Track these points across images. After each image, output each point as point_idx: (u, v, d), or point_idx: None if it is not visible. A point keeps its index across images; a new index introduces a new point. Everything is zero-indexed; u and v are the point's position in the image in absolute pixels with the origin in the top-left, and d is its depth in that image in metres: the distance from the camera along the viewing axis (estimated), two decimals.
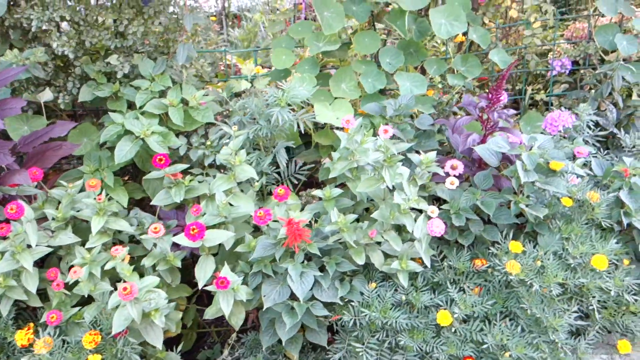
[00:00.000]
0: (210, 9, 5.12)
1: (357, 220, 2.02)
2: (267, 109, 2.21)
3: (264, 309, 1.92)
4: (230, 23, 5.06)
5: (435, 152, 2.09)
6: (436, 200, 2.26)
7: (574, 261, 1.96)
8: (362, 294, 1.98)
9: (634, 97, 2.79)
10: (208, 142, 2.29)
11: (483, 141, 2.29)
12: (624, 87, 2.78)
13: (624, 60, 2.73)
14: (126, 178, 2.57)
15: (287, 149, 2.68)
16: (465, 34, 2.73)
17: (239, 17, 4.80)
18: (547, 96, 2.95)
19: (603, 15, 2.83)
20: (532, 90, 2.95)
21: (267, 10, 4.39)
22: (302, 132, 2.38)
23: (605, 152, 2.59)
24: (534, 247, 2.02)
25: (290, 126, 2.28)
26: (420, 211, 1.98)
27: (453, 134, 2.23)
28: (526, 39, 2.77)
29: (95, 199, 1.94)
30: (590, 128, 2.59)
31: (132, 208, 2.27)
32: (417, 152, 2.14)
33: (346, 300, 1.99)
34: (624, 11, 2.71)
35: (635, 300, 2.05)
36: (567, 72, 2.86)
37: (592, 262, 1.92)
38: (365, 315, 1.92)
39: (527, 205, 2.06)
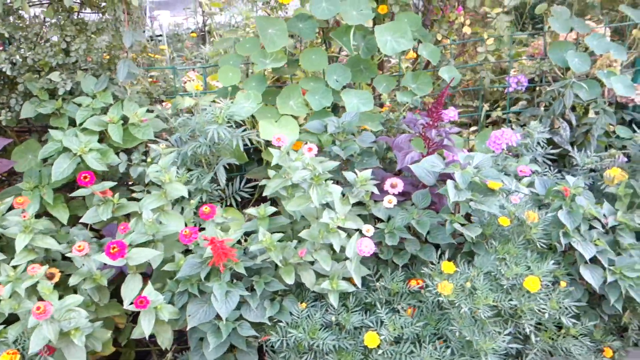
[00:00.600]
0: (194, 25, 5.14)
1: (283, 240, 1.99)
2: (206, 126, 2.19)
3: (190, 329, 1.88)
4: (212, 39, 5.08)
5: (370, 170, 2.07)
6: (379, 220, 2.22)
7: (507, 282, 1.91)
8: (292, 314, 1.95)
9: (591, 114, 2.76)
10: (148, 159, 2.27)
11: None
12: (580, 104, 2.75)
13: (579, 77, 2.70)
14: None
15: (239, 166, 2.66)
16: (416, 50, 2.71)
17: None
18: (504, 113, 2.92)
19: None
20: (490, 107, 2.92)
21: (242, 27, 4.41)
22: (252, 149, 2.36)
23: (558, 170, 2.55)
24: (469, 267, 1.98)
25: (232, 143, 2.26)
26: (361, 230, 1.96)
27: (394, 151, 2.21)
28: (480, 55, 2.75)
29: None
30: (541, 146, 2.56)
31: (76, 225, 2.25)
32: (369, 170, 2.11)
33: (275, 320, 1.95)
34: (578, 28, 2.69)
35: (575, 323, 2.00)
36: (524, 89, 2.84)
37: (524, 283, 1.88)
38: (292, 336, 1.88)
39: (462, 225, 2.03)
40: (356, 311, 1.98)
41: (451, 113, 2.55)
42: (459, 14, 2.73)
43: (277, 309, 1.95)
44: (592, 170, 2.56)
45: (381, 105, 2.85)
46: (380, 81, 2.62)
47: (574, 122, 2.63)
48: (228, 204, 2.43)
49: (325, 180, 1.95)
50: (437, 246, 2.10)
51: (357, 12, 2.40)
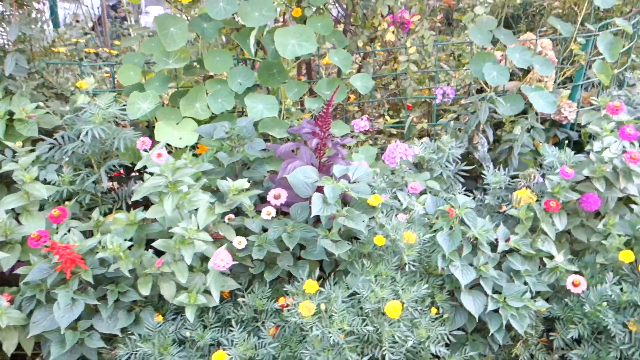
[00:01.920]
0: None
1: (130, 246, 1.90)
2: (89, 125, 2.11)
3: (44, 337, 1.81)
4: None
5: (245, 180, 1.97)
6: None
7: (370, 306, 1.80)
8: (147, 327, 1.86)
9: (516, 130, 2.62)
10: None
11: (320, 169, 2.16)
12: (511, 119, 2.62)
13: (504, 91, 2.58)
14: None
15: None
16: None
17: None
18: (430, 125, 2.80)
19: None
20: (416, 118, 2.80)
21: None
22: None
23: (468, 189, 2.43)
24: (339, 287, 1.87)
25: (126, 143, 2.17)
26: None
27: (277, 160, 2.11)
28: (402, 64, 2.63)
29: None
30: (455, 161, 2.44)
31: None
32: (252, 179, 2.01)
33: (130, 332, 1.86)
34: (504, 40, 2.56)
35: (453, 352, 1.88)
36: (450, 100, 2.71)
37: (385, 308, 1.76)
38: (139, 350, 1.79)
39: (334, 241, 1.92)
40: (216, 327, 1.88)
41: (361, 123, 2.44)
42: (382, 20, 2.62)
43: (131, 320, 1.86)
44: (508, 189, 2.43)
45: (303, 112, 2.75)
46: (292, 87, 2.52)
47: (490, 138, 2.50)
48: (119, 206, 2.35)
49: (190, 187, 1.85)
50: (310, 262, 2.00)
51: (259, 14, 2.30)
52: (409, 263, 1.88)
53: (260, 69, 2.53)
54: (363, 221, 1.84)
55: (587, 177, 2.17)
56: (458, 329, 2.02)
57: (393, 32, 2.63)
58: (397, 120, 2.95)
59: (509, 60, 2.55)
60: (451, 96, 2.68)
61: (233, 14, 2.30)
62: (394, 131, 2.97)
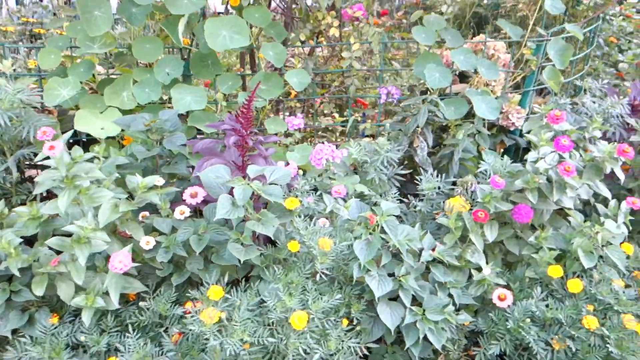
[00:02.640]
0: None
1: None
2: None
3: None
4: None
5: (156, 176, 1.86)
6: None
7: (276, 316, 1.70)
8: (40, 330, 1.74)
9: (459, 135, 2.53)
10: None
11: (242, 168, 2.05)
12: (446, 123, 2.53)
13: (453, 93, 2.48)
14: None
15: None
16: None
17: None
18: (375, 125, 2.70)
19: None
20: (360, 117, 2.70)
21: None
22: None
23: (404, 194, 2.34)
24: (242, 295, 1.77)
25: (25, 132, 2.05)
26: None
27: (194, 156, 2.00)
28: (345, 61, 2.52)
29: None
30: (391, 165, 2.34)
31: None
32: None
33: (21, 334, 1.75)
34: (450, 41, 2.46)
35: None
36: (395, 101, 2.61)
37: (290, 319, 1.66)
38: (28, 353, 1.67)
39: (244, 245, 1.81)
40: (115, 332, 1.77)
41: (295, 121, 2.34)
42: (326, 14, 2.50)
43: (24, 321, 1.75)
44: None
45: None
46: (226, 79, 2.40)
47: (430, 142, 2.41)
48: (33, 198, 2.23)
49: (100, 182, 1.74)
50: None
51: (188, 1, 2.18)
52: (321, 272, 1.78)
53: (193, 60, 2.41)
54: (273, 226, 1.74)
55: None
56: (378, 341, 1.93)
57: (337, 26, 2.51)
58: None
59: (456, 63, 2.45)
60: (396, 96, 2.58)
61: (160, 0, 2.18)
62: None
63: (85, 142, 2.44)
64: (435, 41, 2.40)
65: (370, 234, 1.86)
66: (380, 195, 2.29)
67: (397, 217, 2.25)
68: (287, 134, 2.44)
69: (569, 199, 2.11)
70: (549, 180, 2.08)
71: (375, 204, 2.16)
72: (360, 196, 2.23)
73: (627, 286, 2.08)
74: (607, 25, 3.59)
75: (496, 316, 2.00)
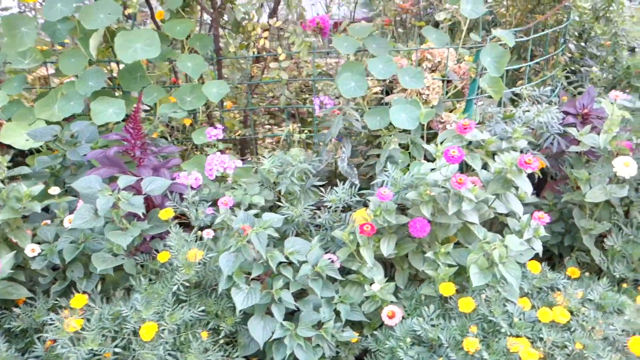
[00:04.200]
0: None
1: None
2: None
3: None
4: None
5: (41, 186, 1.93)
6: None
7: (130, 326, 1.72)
8: None
9: (390, 146, 2.46)
10: None
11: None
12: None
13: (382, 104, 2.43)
14: None
15: None
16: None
17: None
18: (309, 137, 2.67)
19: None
20: (295, 128, 2.68)
21: None
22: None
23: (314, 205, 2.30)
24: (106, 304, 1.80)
25: None
26: None
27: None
28: (273, 72, 2.51)
29: None
30: (307, 176, 2.32)
31: None
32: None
33: None
34: (375, 49, 2.41)
35: None
36: (336, 110, 2.57)
37: (140, 331, 1.68)
38: None
39: (115, 255, 1.85)
40: None
41: (213, 132, 2.36)
42: (256, 25, 2.52)
43: None
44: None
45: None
46: (152, 91, 2.46)
47: (347, 152, 2.36)
48: None
49: None
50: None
51: (104, 15, 2.25)
52: (182, 282, 1.78)
53: (122, 72, 2.49)
54: (131, 236, 1.76)
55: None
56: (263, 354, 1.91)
57: (266, 38, 2.51)
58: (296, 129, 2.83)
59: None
60: (329, 106, 2.55)
61: (73, 15, 2.26)
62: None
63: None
64: (356, 50, 2.35)
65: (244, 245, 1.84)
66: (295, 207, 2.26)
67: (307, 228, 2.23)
68: (210, 145, 2.46)
69: (472, 212, 2.00)
70: (447, 192, 1.98)
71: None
72: (271, 208, 2.22)
73: (533, 307, 1.94)
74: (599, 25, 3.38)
75: (382, 334, 1.93)
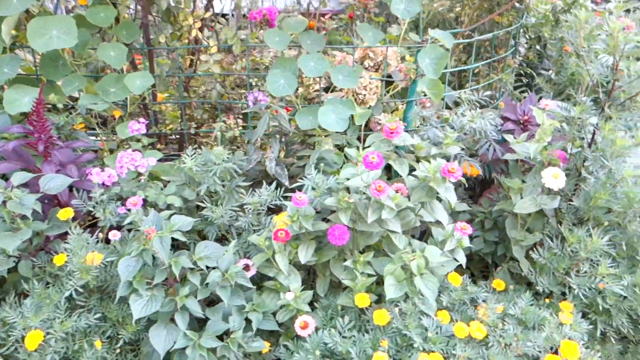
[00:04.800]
0: None
1: None
2: None
3: None
4: None
5: None
6: None
7: (17, 334, 1.61)
8: None
9: (324, 147, 2.37)
10: None
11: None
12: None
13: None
14: None
15: None
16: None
17: None
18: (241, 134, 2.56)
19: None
20: (231, 124, 2.56)
21: None
22: None
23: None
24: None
25: None
26: None
27: None
28: (203, 65, 2.40)
29: None
30: (232, 176, 2.21)
31: None
32: None
33: None
34: (309, 45, 2.31)
35: None
36: (263, 107, 2.47)
37: (25, 339, 1.57)
38: None
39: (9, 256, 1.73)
40: None
41: (135, 126, 2.24)
42: (188, 15, 2.39)
43: None
44: None
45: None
46: (73, 80, 2.33)
47: (276, 152, 2.26)
48: None
49: None
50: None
51: (17, 1, 2.12)
52: (77, 287, 1.67)
53: (43, 60, 2.35)
54: (21, 239, 1.65)
55: None
56: None
57: (200, 28, 2.40)
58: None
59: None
60: (263, 102, 2.44)
61: None
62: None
63: None
64: (287, 45, 2.25)
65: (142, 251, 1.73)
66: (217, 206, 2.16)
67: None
68: (137, 139, 2.34)
69: (394, 221, 1.92)
70: (368, 199, 1.90)
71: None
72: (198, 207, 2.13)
73: (453, 321, 1.87)
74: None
75: (295, 345, 1.84)
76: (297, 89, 2.55)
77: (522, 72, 3.18)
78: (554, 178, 1.94)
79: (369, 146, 2.10)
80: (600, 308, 1.97)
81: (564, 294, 2.07)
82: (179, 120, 2.69)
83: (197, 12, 2.45)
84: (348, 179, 1.90)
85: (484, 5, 3.34)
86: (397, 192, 1.98)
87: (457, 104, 2.82)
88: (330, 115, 2.19)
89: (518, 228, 2.18)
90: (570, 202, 2.03)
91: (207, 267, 1.81)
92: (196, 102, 2.56)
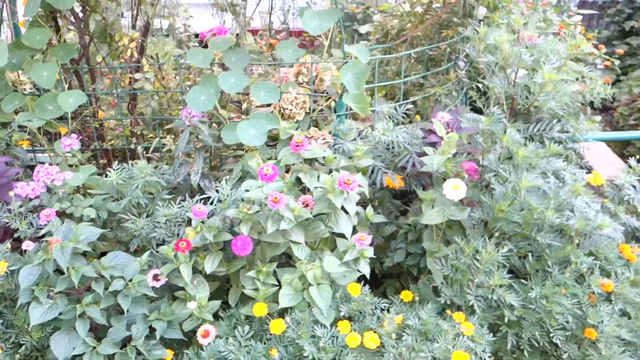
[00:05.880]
0: None
1: None
2: None
3: None
4: None
5: None
6: None
7: None
8: None
9: (252, 162, 2.43)
10: None
11: None
12: None
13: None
14: None
15: None
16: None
17: None
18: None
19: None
20: (169, 139, 2.65)
21: None
22: None
23: None
24: None
25: None
26: None
27: None
28: (138, 83, 2.50)
29: None
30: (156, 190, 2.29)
31: None
32: None
33: None
34: (234, 63, 2.39)
35: None
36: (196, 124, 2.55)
37: None
38: None
39: None
40: None
41: (67, 142, 2.34)
42: (123, 35, 2.50)
43: None
44: None
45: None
46: (13, 99, 2.45)
47: (199, 166, 2.33)
48: None
49: None
50: None
51: None
52: None
53: None
54: None
55: None
56: None
57: (135, 48, 2.50)
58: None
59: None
60: (196, 118, 2.52)
61: None
62: None
63: None
64: (210, 63, 2.33)
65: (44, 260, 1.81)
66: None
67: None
68: (73, 155, 2.44)
69: (297, 231, 1.97)
70: (269, 210, 1.96)
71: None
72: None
73: (352, 330, 1.90)
74: None
75: (195, 354, 1.90)
76: (242, 104, 2.65)
77: (476, 85, 3.22)
78: (454, 189, 1.98)
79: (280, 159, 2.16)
80: (506, 320, 1.98)
81: (472, 307, 2.09)
82: (122, 136, 2.79)
83: (132, 33, 2.55)
84: (247, 191, 1.95)
85: (433, 22, 3.38)
86: (304, 203, 2.03)
87: (407, 116, 2.86)
88: (250, 130, 2.26)
89: (434, 239, 2.21)
90: (472, 214, 2.06)
91: (111, 277, 1.88)
92: (135, 118, 2.65)
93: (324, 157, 2.17)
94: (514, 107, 1.98)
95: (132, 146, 2.66)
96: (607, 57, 5.17)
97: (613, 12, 6.51)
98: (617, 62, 4.38)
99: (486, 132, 2.11)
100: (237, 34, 4.01)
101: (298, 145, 2.03)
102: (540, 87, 1.84)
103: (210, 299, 2.01)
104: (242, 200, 2.03)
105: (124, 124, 2.69)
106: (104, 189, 2.30)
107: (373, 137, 2.20)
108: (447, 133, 2.39)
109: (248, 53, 2.42)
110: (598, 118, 4.29)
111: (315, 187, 2.05)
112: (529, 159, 2.01)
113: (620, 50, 5.83)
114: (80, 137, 2.36)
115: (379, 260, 2.44)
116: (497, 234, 2.03)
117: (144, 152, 2.43)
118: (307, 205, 2.02)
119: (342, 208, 1.98)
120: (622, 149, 4.67)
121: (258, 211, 2.00)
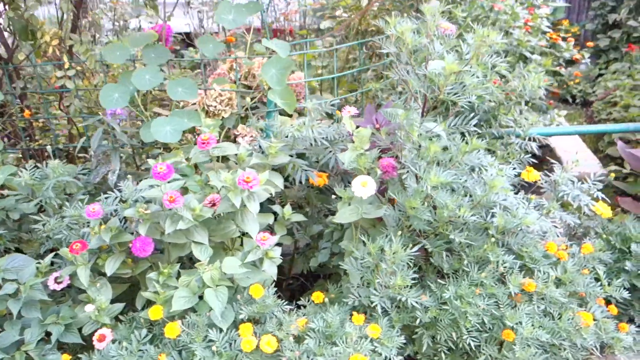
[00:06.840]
0: None
1: None
2: None
3: None
4: None
5: None
6: None
7: None
8: None
9: (177, 157, 2.36)
10: None
11: None
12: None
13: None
14: None
15: None
16: None
17: None
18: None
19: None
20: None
21: None
22: None
23: None
24: None
25: None
26: None
27: None
28: (58, 81, 2.44)
29: None
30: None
31: None
32: None
33: None
34: (153, 59, 2.32)
35: None
36: (120, 122, 2.49)
37: None
38: None
39: None
40: None
41: None
42: (45, 32, 2.44)
43: None
44: None
45: None
46: None
47: (116, 166, 2.27)
48: None
49: None
50: None
51: None
52: None
53: None
54: None
55: None
56: None
57: (57, 45, 2.44)
58: None
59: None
60: (123, 116, 2.47)
61: None
62: None
63: None
64: (127, 59, 2.27)
65: None
66: None
67: None
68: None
69: (200, 231, 1.91)
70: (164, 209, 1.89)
71: None
72: None
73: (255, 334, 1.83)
74: None
75: (89, 358, 1.84)
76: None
77: None
78: (362, 186, 1.90)
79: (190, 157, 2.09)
80: (418, 321, 1.91)
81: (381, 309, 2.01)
82: (51, 136, 2.74)
83: (55, 30, 2.49)
84: (144, 190, 1.89)
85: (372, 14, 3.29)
86: (211, 202, 1.96)
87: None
88: (165, 127, 2.19)
89: (353, 239, 2.14)
90: (386, 211, 1.98)
91: (2, 280, 1.82)
92: (63, 116, 2.60)
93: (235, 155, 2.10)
94: (426, 100, 1.90)
95: (61, 146, 2.61)
96: (578, 51, 5.06)
97: (597, 5, 6.38)
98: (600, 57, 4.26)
99: (403, 127, 2.03)
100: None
101: (204, 143, 1.96)
102: (444, 79, 1.76)
103: (118, 301, 1.95)
104: (143, 199, 1.96)
105: (52, 123, 2.62)
106: (18, 190, 2.24)
107: (286, 133, 2.13)
108: (377, 129, 2.31)
109: (167, 50, 2.36)
110: (564, 113, 4.20)
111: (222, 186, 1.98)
112: (442, 155, 1.92)
113: (590, 44, 5.74)
114: (2, 137, 2.30)
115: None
116: (407, 233, 1.95)
117: (76, 152, 2.37)
118: (214, 205, 1.95)
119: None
120: (597, 142, 4.56)
121: (161, 211, 1.93)
